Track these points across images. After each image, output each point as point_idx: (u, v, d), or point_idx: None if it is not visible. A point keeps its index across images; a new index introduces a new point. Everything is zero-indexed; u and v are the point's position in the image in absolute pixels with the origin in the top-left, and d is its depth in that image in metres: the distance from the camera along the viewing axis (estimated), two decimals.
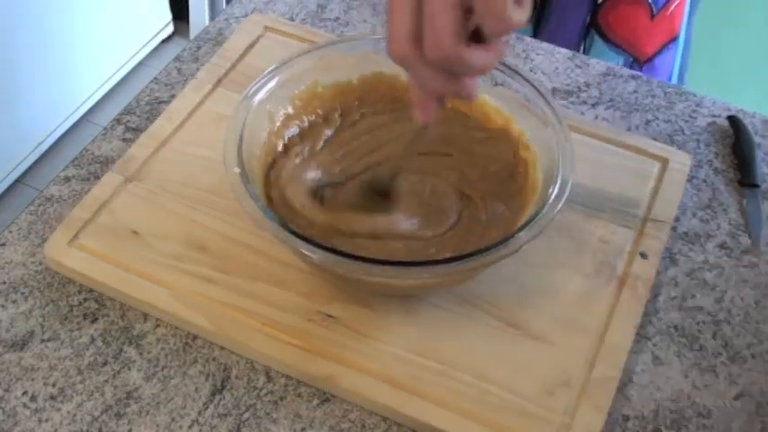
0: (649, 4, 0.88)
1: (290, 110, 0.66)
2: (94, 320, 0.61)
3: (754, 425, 0.58)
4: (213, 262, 0.63)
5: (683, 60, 0.94)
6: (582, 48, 0.92)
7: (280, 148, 0.65)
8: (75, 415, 0.56)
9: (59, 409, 0.57)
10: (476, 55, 0.45)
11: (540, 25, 0.93)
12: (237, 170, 0.57)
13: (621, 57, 0.91)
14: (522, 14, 0.43)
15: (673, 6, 0.88)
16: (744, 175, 0.73)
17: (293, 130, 0.67)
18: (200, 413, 0.57)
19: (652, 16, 0.88)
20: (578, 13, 0.90)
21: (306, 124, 0.67)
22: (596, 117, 0.77)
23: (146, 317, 0.61)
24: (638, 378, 0.60)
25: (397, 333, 0.60)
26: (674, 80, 0.94)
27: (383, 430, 0.57)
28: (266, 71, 0.65)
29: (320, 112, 0.68)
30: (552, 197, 0.57)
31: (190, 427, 0.56)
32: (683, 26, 0.91)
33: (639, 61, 0.91)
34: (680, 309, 0.64)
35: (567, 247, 0.65)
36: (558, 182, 0.58)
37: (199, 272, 0.62)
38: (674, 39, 0.91)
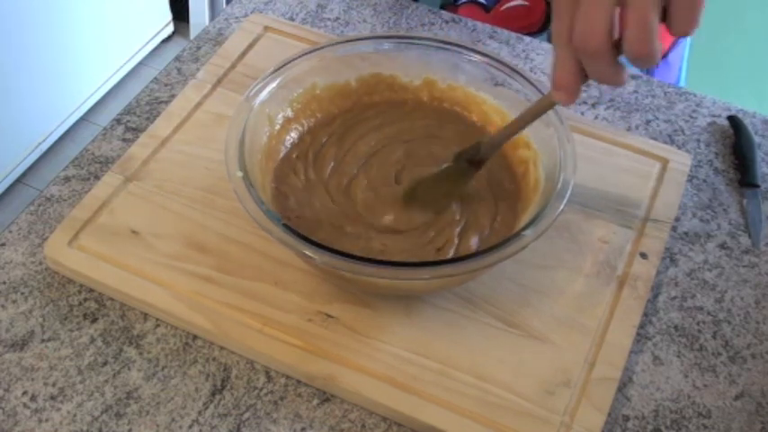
0: None
1: (290, 113, 0.67)
2: (94, 320, 0.61)
3: (754, 425, 0.58)
4: (213, 262, 0.63)
5: (690, 51, 0.94)
6: None
7: (281, 152, 0.66)
8: (75, 415, 0.56)
9: (59, 409, 0.57)
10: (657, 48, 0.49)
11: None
12: (240, 174, 0.57)
13: None
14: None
15: None
16: (744, 175, 0.73)
17: (293, 134, 0.67)
18: (200, 413, 0.57)
19: None
20: None
21: (305, 128, 0.68)
22: (596, 117, 0.77)
23: (146, 317, 0.61)
24: (638, 378, 0.60)
25: (397, 333, 0.60)
26: (684, 71, 0.94)
27: (383, 430, 0.57)
28: (267, 72, 0.65)
29: (319, 115, 0.68)
30: (555, 196, 0.57)
31: (190, 427, 0.56)
32: None
33: None
34: (680, 309, 0.64)
35: (567, 247, 0.65)
36: (561, 181, 0.58)
37: (199, 272, 0.62)
38: None
